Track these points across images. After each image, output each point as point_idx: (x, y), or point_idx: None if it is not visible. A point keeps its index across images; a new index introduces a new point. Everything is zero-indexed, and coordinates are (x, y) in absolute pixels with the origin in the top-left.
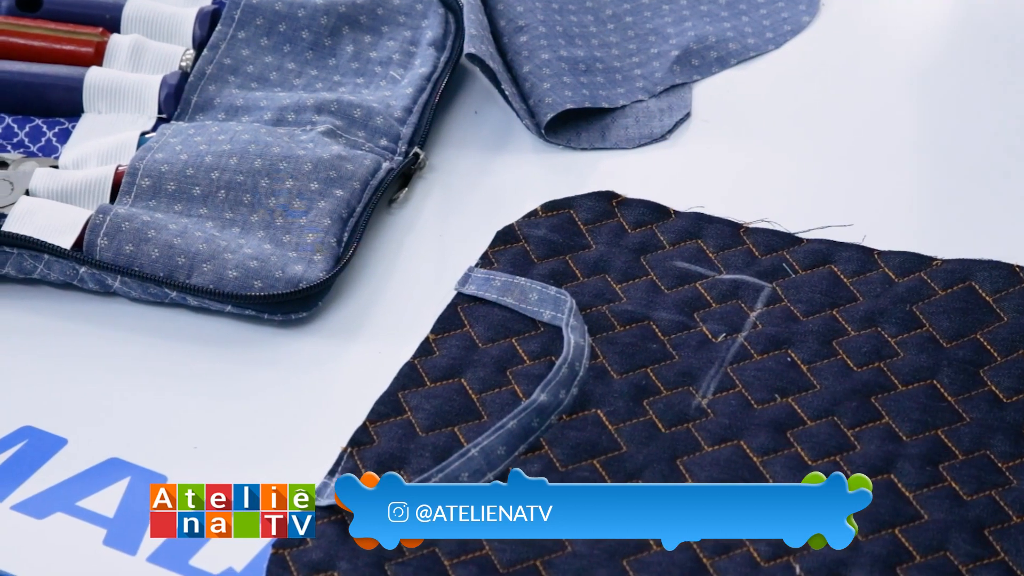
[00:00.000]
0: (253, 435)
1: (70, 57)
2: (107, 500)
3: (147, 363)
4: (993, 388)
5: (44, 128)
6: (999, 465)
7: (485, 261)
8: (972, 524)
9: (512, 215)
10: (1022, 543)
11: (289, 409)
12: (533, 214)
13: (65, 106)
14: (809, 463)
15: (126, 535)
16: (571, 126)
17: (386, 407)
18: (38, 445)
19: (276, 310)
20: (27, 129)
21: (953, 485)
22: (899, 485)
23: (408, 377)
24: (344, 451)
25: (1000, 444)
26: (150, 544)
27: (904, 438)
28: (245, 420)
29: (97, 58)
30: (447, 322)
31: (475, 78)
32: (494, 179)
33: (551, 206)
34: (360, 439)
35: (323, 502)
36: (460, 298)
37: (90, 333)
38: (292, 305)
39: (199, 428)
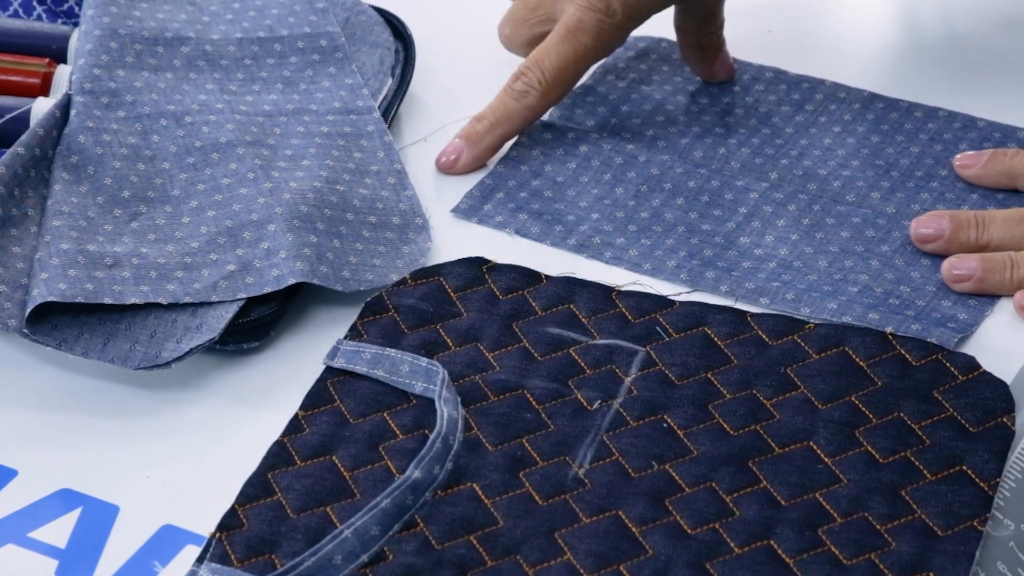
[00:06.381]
0: (206, 464)
1: (17, 88)
2: (59, 531)
3: (98, 392)
4: (869, 448)
5: None
6: (877, 527)
7: (354, 333)
8: None
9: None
10: None
11: (242, 438)
12: (402, 283)
13: (12, 137)
14: (689, 532)
15: (78, 566)
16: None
17: (255, 489)
18: None
19: (228, 340)
20: None
21: (833, 549)
22: (779, 551)
23: (277, 456)
24: (213, 536)
25: (878, 506)
26: (102, 574)
27: (783, 502)
28: (198, 449)
29: (44, 89)
30: (316, 398)
31: (424, 106)
32: (444, 205)
33: (420, 274)
34: (229, 523)
35: None
36: (329, 372)
37: (39, 363)
38: (244, 335)
39: (151, 458)
